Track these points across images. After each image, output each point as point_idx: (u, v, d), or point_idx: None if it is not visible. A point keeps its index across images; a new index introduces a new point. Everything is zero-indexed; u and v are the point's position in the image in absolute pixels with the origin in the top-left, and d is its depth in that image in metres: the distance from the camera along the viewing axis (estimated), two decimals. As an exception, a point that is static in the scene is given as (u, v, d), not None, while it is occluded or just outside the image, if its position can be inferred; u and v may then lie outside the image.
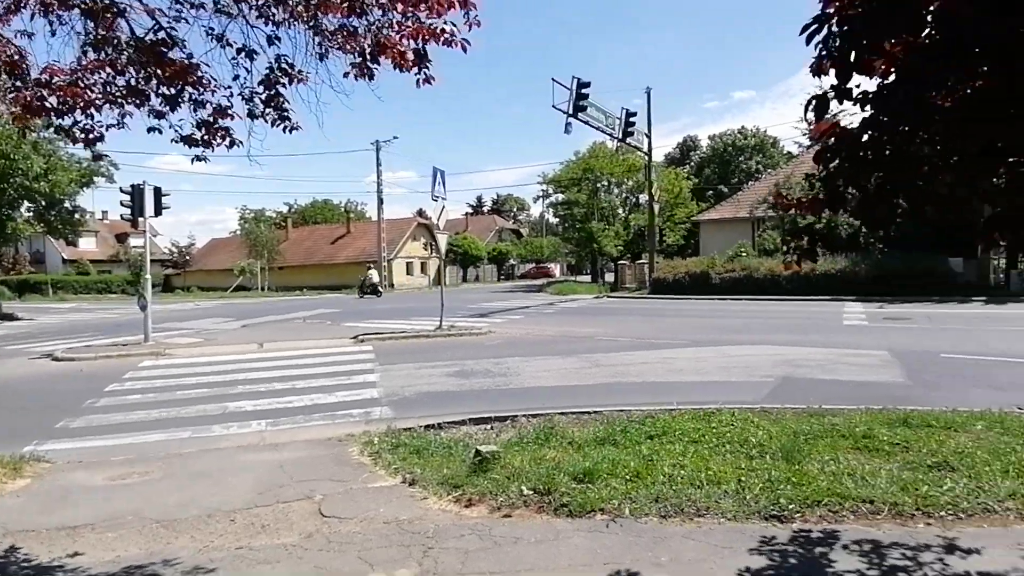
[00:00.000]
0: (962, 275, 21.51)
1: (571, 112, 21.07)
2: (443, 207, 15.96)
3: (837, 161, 2.62)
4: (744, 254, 24.74)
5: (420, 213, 76.70)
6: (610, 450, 5.57)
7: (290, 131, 3.73)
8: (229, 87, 3.79)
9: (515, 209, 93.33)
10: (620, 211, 38.61)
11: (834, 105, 2.50)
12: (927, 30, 2.14)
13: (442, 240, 15.96)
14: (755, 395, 8.06)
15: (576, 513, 4.34)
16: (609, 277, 35.88)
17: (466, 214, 79.26)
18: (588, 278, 44.54)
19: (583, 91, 21.04)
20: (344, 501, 4.79)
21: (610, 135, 24.74)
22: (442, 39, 3.33)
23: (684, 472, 4.85)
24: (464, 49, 3.27)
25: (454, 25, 3.34)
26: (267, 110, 3.87)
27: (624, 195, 39.05)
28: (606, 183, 38.06)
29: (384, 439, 6.22)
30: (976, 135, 2.16)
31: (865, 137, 2.50)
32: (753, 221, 28.18)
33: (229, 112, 3.82)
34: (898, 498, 4.17)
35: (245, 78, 3.75)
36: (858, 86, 2.35)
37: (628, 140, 25.85)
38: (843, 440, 5.52)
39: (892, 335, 13.03)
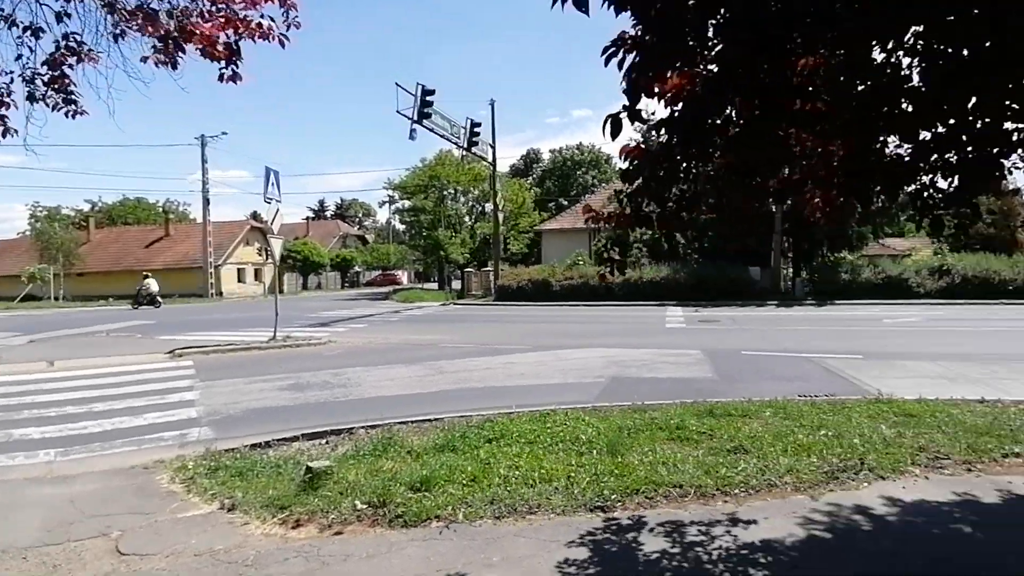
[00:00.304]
0: (759, 282, 24.85)
1: (415, 119, 20.96)
2: (277, 210, 15.01)
3: (640, 180, 2.86)
4: (581, 262, 26.33)
5: (254, 216, 71.56)
6: (449, 456, 5.56)
7: (74, 116, 3.26)
8: (11, 72, 3.26)
9: (360, 215, 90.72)
10: (467, 219, 39.17)
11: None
12: (707, 65, 2.41)
13: (276, 245, 14.98)
14: (588, 395, 8.56)
15: (411, 523, 4.27)
16: (457, 284, 36.17)
17: (307, 219, 75.47)
18: (435, 285, 44.51)
19: (428, 98, 21.04)
20: (147, 535, 4.25)
21: (455, 144, 25.05)
22: (258, 33, 3.12)
23: (519, 473, 4.99)
24: (282, 44, 3.09)
25: (272, 20, 3.14)
26: (49, 92, 3.36)
27: (471, 203, 39.70)
28: (453, 191, 38.41)
29: (201, 463, 5.65)
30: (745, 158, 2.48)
31: (662, 158, 2.76)
32: (590, 231, 30.08)
33: (5, 99, 3.27)
34: (702, 481, 4.64)
35: (28, 58, 3.23)
36: (654, 113, 2.59)
37: (473, 150, 26.33)
38: (660, 432, 6.04)
39: (705, 336, 14.61)
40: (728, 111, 2.49)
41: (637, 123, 2.49)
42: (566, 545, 3.81)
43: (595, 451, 5.52)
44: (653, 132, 2.82)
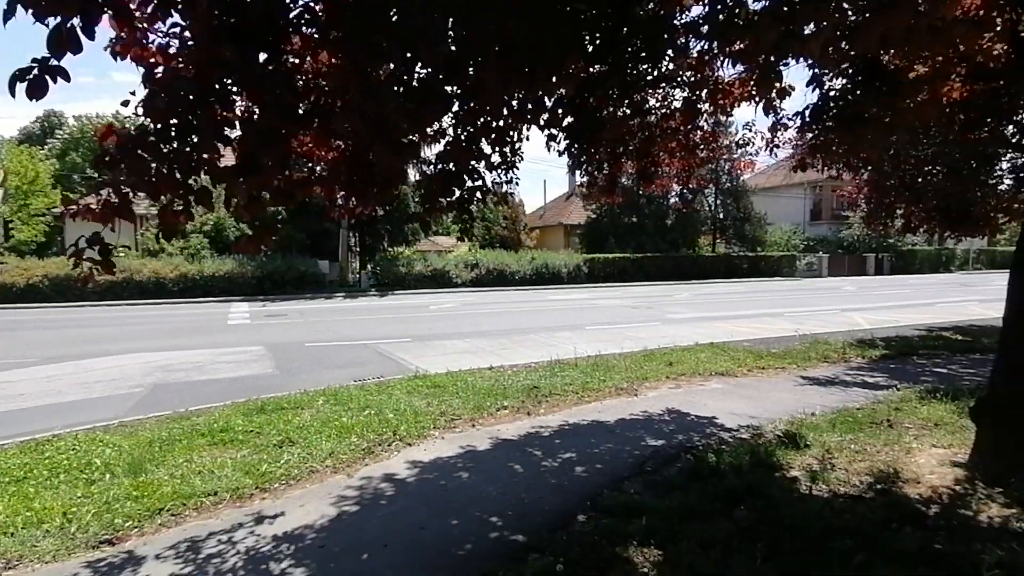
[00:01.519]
0: (329, 275, 25.59)
1: None
2: None
3: (124, 164, 2.46)
4: (123, 255, 22.21)
5: None
6: None
7: None
8: None
9: None
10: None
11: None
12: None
13: None
14: (118, 409, 7.23)
15: None
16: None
17: None
18: None
19: None
20: None
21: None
22: None
23: (-10, 524, 3.80)
24: None
25: None
26: None
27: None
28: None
29: None
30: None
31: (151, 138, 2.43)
32: (138, 217, 25.71)
33: None
34: (240, 482, 4.40)
35: None
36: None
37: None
38: (201, 438, 5.50)
39: (269, 331, 14.17)
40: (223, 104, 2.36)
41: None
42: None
43: (112, 475, 4.66)
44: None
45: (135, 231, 25.25)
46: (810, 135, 4.59)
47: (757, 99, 4.12)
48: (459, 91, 3.06)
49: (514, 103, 3.53)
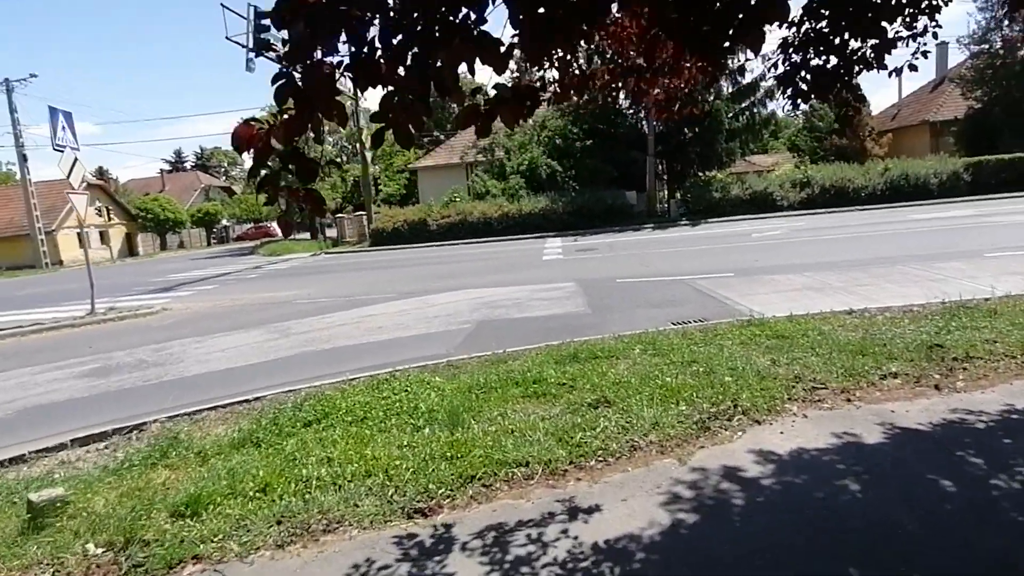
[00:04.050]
0: (636, 206, 24.77)
1: (251, 47, 18.07)
2: (75, 159, 12.31)
3: None
4: (458, 199, 24.94)
5: (100, 173, 62.95)
6: (247, 455, 4.34)
7: None
8: None
9: (226, 164, 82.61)
10: (337, 161, 36.06)
11: None
12: None
13: (80, 202, 12.35)
14: (449, 345, 7.57)
15: (157, 571, 3.05)
16: (333, 232, 33.54)
17: (162, 171, 67.61)
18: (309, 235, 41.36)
19: (263, 21, 18.11)
20: None
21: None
22: None
23: (329, 470, 3.87)
24: None
25: None
26: None
27: (338, 144, 36.51)
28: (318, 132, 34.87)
29: None
30: None
31: None
32: (466, 166, 28.60)
33: None
34: (553, 453, 3.75)
35: None
36: None
37: (329, 80, 23.48)
38: (515, 388, 5.12)
39: (580, 266, 14.00)
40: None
41: None
42: (357, 584, 2.77)
43: (434, 424, 4.50)
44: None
45: (466, 177, 28.16)
46: None
47: None
48: None
49: None
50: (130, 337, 10.12)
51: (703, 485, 3.26)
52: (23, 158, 36.12)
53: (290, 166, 1.86)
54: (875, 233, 14.85)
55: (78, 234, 41.84)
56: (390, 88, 1.76)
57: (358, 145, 32.64)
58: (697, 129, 24.07)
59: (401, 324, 9.17)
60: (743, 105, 24.74)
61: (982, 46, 26.02)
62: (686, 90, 3.67)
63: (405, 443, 4.22)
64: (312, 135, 1.89)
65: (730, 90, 24.45)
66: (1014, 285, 7.24)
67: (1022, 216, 15.40)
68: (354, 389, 5.56)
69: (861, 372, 4.61)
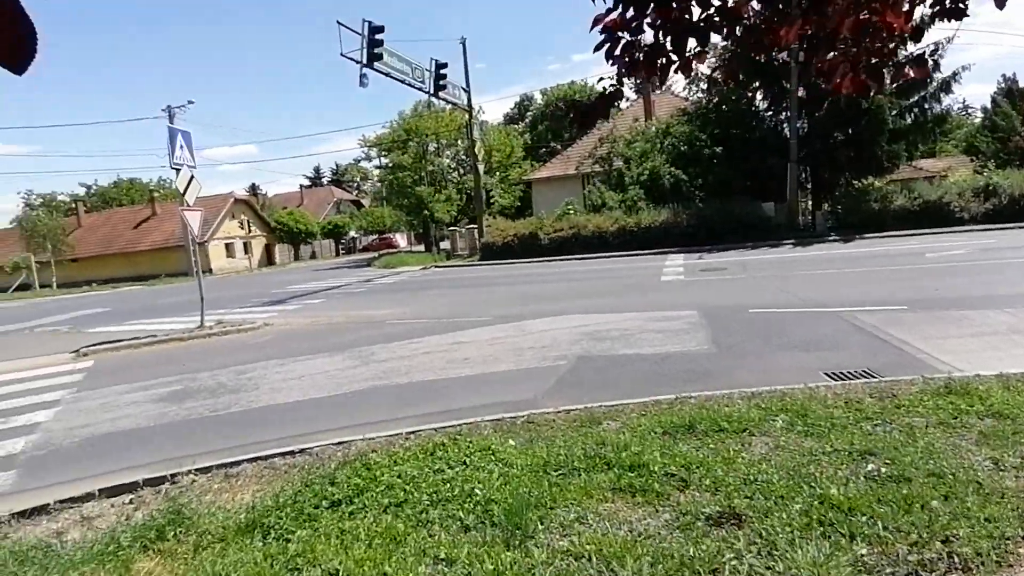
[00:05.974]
0: (774, 219, 21.99)
1: (365, 62, 18.13)
2: (191, 177, 12.67)
3: None
4: (572, 212, 23.66)
5: (253, 190, 69.23)
6: (246, 551, 3.37)
7: None
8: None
9: (358, 179, 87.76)
10: (454, 174, 36.33)
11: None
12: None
13: (192, 219, 12.67)
14: (538, 388, 6.36)
15: None
16: (447, 245, 33.69)
17: (301, 186, 73.02)
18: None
19: (377, 36, 18.11)
20: None
21: (419, 88, 22.04)
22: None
23: (327, 596, 2.76)
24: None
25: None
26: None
27: (456, 157, 36.75)
28: (436, 145, 35.38)
29: None
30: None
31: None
32: (582, 177, 27.30)
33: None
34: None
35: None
36: None
37: (442, 94, 23.34)
38: (604, 474, 3.76)
39: (705, 290, 12.17)
40: None
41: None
42: None
43: (487, 525, 3.27)
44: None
45: (582, 188, 26.85)
46: None
47: None
48: None
49: None
50: (223, 356, 9.93)
51: None
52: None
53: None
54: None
55: (226, 245, 45.91)
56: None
57: (474, 157, 32.64)
58: (851, 130, 20.91)
59: (490, 356, 8.07)
60: (911, 100, 21.09)
61: None
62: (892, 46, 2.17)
63: (441, 556, 3.03)
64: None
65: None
66: None
67: None
68: (405, 453, 4.48)
69: None
